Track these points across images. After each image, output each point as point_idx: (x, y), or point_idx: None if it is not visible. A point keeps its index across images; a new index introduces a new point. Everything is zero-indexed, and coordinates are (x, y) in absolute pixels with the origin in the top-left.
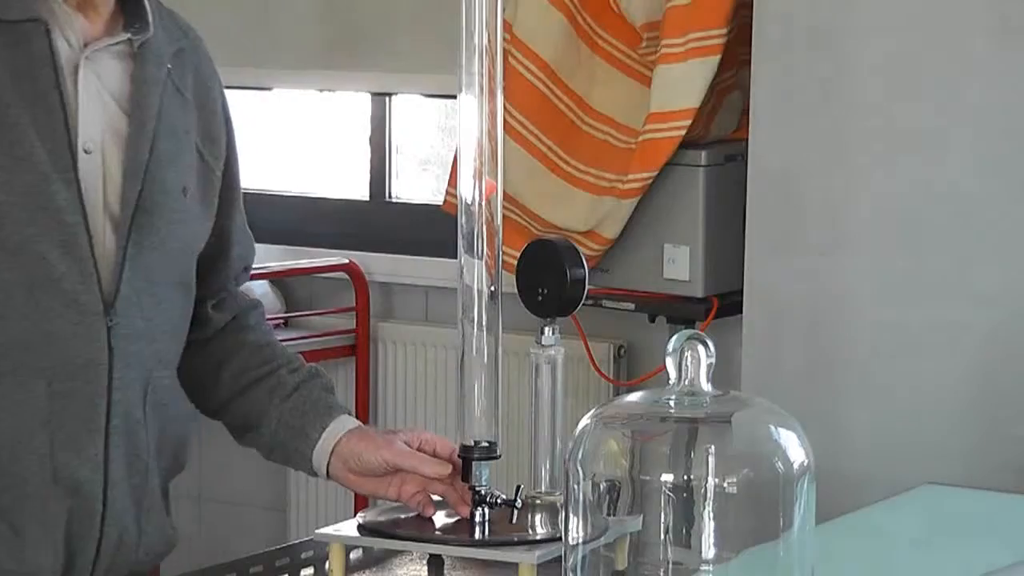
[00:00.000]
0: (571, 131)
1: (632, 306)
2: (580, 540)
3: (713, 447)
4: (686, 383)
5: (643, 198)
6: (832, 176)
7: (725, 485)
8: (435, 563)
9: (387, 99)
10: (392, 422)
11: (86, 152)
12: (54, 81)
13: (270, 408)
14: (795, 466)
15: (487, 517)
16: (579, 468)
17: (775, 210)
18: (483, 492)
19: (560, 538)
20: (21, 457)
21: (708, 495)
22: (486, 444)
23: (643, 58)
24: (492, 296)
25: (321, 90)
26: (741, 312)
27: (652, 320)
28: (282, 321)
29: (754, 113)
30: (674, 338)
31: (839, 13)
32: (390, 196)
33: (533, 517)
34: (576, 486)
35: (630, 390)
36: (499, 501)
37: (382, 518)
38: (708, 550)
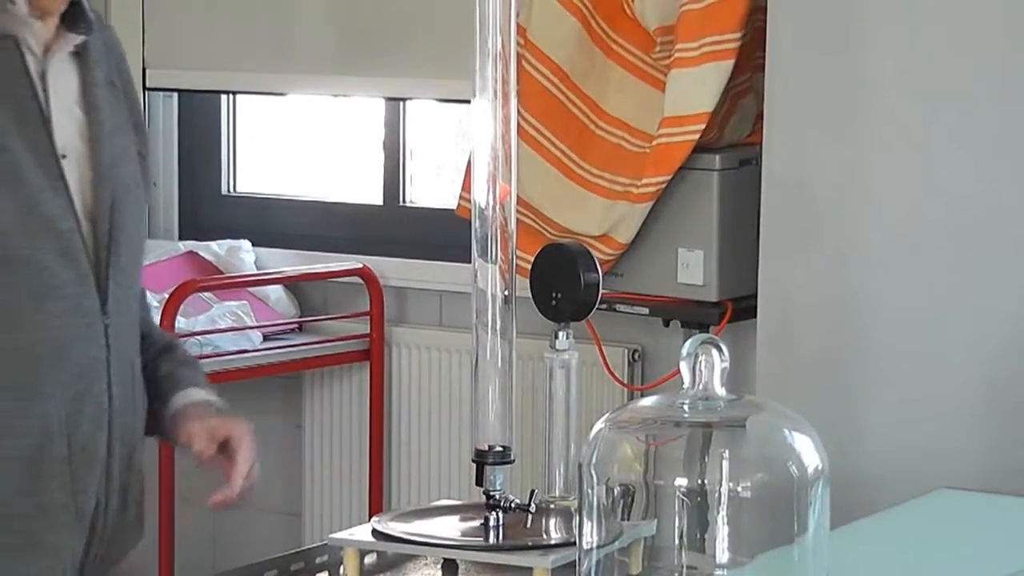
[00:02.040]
0: (585, 135)
1: (646, 310)
2: (594, 544)
3: (727, 451)
4: (700, 387)
5: (657, 202)
6: (847, 180)
7: (739, 489)
8: (449, 568)
9: (401, 104)
10: (406, 426)
11: (63, 157)
12: (31, 92)
13: None
14: (810, 470)
15: (501, 521)
16: (593, 472)
17: (789, 214)
18: (497, 496)
19: (574, 542)
20: (43, 471)
21: (722, 499)
22: (500, 448)
23: (657, 62)
24: (506, 300)
25: (335, 95)
26: (755, 316)
27: (666, 324)
28: (296, 326)
29: (768, 117)
30: (688, 342)
31: (854, 17)
32: (404, 201)
33: (547, 521)
34: (590, 490)
35: (644, 394)
36: (513, 505)
37: (397, 523)
38: (722, 554)
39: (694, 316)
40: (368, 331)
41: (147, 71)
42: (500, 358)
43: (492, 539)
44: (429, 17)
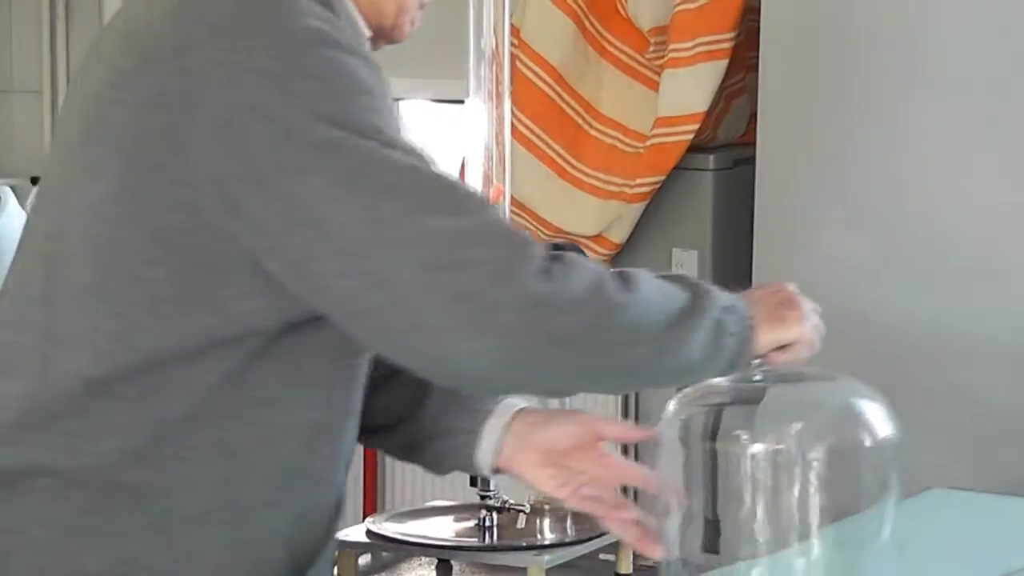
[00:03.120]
0: (579, 136)
1: None
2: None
3: (800, 421)
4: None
5: (651, 202)
6: (840, 180)
7: (811, 457)
8: (444, 568)
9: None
10: None
11: None
12: None
13: (420, 400)
14: (880, 438)
15: (495, 522)
16: (674, 445)
17: (783, 214)
18: (491, 497)
19: (569, 542)
20: None
21: (796, 468)
22: None
23: (651, 62)
24: None
25: None
26: None
27: None
28: None
29: (762, 117)
30: None
31: (846, 16)
32: None
33: (542, 522)
34: (671, 462)
35: (638, 397)
36: (507, 506)
37: (391, 523)
38: (794, 522)
39: None
40: None
41: None
42: None
43: (487, 539)
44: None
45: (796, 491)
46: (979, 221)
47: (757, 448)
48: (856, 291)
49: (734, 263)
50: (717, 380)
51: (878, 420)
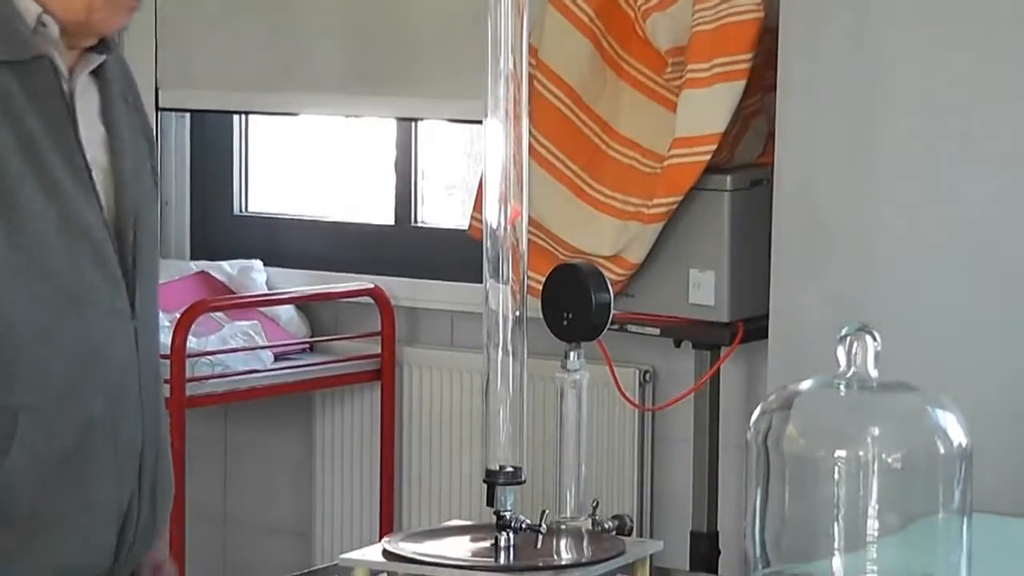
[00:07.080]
0: (596, 156)
1: (657, 331)
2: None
3: (879, 426)
4: (854, 371)
5: (668, 223)
6: (858, 199)
7: (890, 461)
8: None
9: (413, 124)
10: (417, 447)
11: (91, 170)
12: (65, 111)
13: None
14: (955, 446)
15: (512, 542)
16: (761, 447)
17: (801, 234)
18: (508, 517)
19: (585, 563)
20: (91, 469)
21: (874, 471)
22: (511, 469)
23: (668, 83)
24: (517, 321)
25: (347, 116)
26: (767, 337)
27: (677, 345)
28: (307, 346)
29: (779, 137)
30: (844, 327)
31: (864, 38)
32: (415, 221)
33: (558, 542)
34: (758, 465)
35: (655, 415)
36: (524, 526)
37: (407, 543)
38: (873, 523)
39: (705, 337)
40: (379, 351)
41: (160, 91)
42: (511, 378)
43: (503, 560)
44: (440, 37)
45: (871, 495)
46: (1002, 241)
47: (835, 453)
48: (874, 311)
49: (751, 284)
50: (801, 385)
51: (952, 428)
